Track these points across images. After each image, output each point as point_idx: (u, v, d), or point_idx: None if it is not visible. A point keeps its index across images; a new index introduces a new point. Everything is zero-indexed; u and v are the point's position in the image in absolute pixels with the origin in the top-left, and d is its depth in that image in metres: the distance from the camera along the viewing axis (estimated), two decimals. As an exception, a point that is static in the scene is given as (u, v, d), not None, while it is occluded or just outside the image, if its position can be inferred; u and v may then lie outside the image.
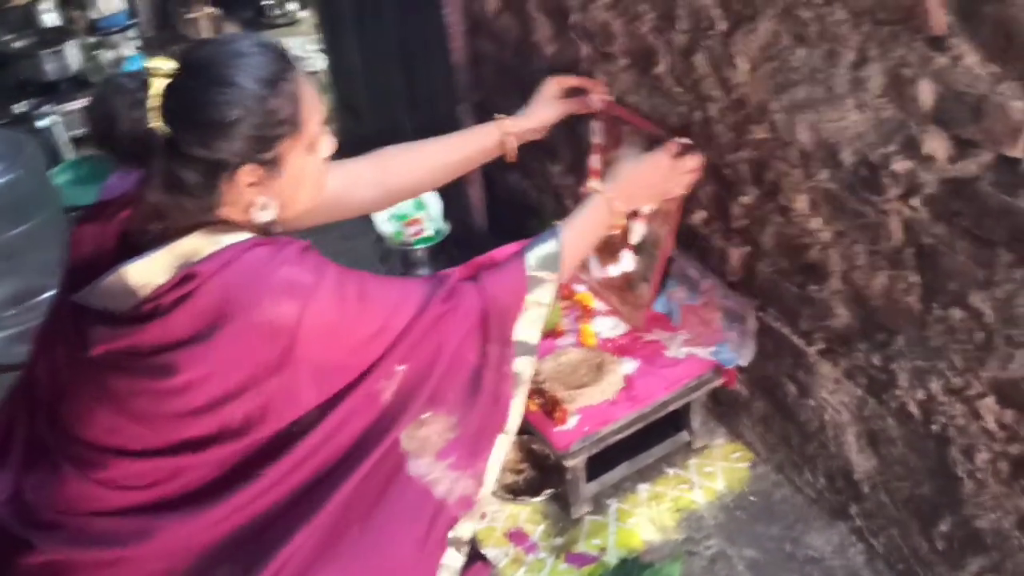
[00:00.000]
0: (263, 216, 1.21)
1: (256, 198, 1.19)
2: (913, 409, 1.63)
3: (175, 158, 1.12)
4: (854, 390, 1.76)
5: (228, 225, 1.19)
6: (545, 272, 1.42)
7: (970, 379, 1.49)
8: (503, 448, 1.42)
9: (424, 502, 1.34)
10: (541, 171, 2.56)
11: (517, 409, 1.42)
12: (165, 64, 1.13)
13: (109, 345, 1.15)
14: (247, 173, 1.16)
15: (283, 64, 1.18)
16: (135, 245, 1.17)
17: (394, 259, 2.65)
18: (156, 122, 1.11)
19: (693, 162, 1.69)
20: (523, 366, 1.42)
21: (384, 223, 2.64)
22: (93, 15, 4.59)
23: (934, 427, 1.60)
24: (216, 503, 1.20)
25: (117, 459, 1.19)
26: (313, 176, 1.26)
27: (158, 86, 1.11)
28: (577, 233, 1.51)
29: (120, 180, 1.29)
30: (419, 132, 2.79)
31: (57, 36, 4.29)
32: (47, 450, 1.24)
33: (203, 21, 4.89)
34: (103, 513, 1.20)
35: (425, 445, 1.33)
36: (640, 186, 1.63)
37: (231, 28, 5.06)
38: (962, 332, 1.47)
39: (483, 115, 2.71)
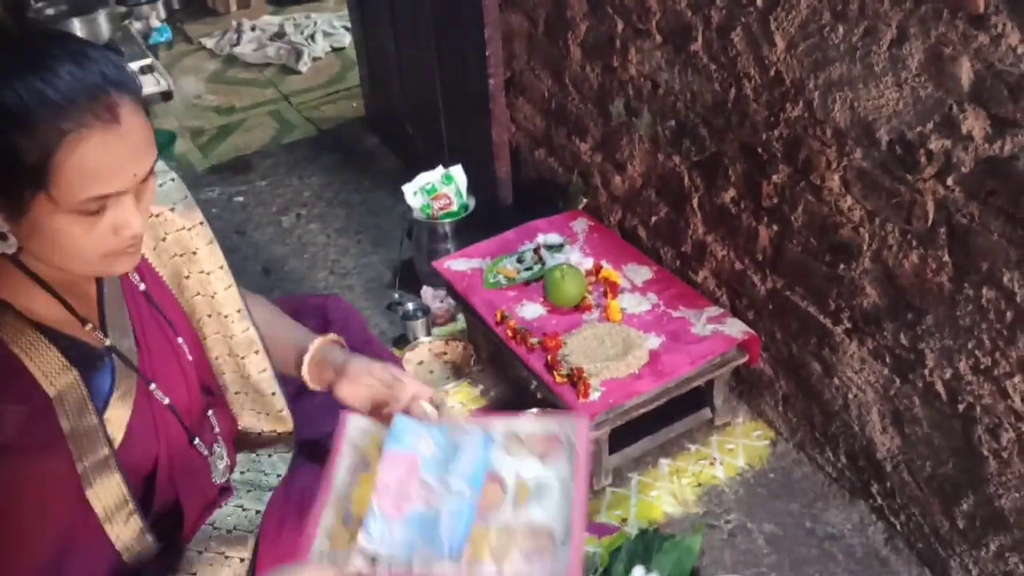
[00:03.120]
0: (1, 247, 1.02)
1: None
2: (940, 389, 1.64)
3: None
4: (880, 369, 1.77)
5: None
6: None
7: (998, 358, 1.50)
8: None
9: None
10: (569, 148, 2.57)
11: None
12: None
13: None
14: None
15: (78, 112, 0.92)
16: None
17: (421, 232, 2.66)
18: None
19: None
20: None
21: (412, 196, 2.65)
22: (124, -16, 4.62)
23: (960, 406, 1.61)
24: None
25: None
26: (72, 245, 1.01)
27: None
28: None
29: None
30: (449, 109, 2.83)
31: (88, 4, 4.32)
32: None
33: (231, -6, 4.91)
34: None
35: None
36: None
37: (259, 2, 5.09)
38: (992, 311, 1.48)
39: (513, 92, 2.74)
